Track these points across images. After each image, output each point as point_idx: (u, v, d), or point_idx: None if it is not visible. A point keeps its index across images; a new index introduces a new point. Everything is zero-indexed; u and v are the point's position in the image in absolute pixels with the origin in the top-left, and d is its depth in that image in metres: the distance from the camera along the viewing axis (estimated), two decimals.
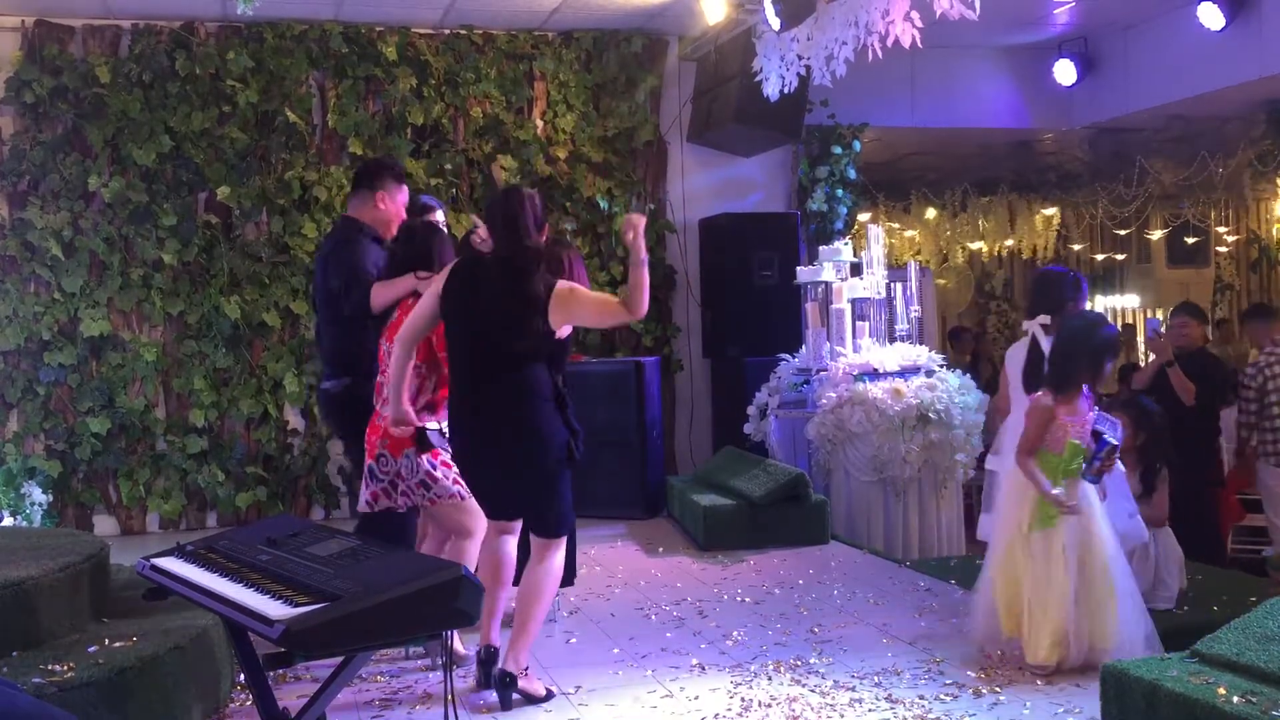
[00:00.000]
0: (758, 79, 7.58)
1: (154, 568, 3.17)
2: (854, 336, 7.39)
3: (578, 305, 4.11)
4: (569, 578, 5.26)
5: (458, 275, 4.19)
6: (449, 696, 3.12)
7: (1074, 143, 11.51)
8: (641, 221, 4.03)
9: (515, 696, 4.12)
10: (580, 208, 8.81)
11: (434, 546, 4.65)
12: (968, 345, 11.10)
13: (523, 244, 4.12)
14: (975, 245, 14.27)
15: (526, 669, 4.17)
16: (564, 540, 4.27)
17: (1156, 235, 14.69)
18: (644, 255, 4.02)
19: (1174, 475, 5.21)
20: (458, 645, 4.57)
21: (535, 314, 4.04)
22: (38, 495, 7.65)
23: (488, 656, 4.24)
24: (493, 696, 4.13)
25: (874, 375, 7.06)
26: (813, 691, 4.16)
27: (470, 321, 4.14)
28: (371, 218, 4.90)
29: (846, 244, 7.74)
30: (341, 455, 7.83)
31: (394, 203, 4.90)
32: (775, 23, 6.90)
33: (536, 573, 4.20)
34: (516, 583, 4.33)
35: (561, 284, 4.10)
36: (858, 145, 9.56)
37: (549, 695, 4.19)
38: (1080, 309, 4.99)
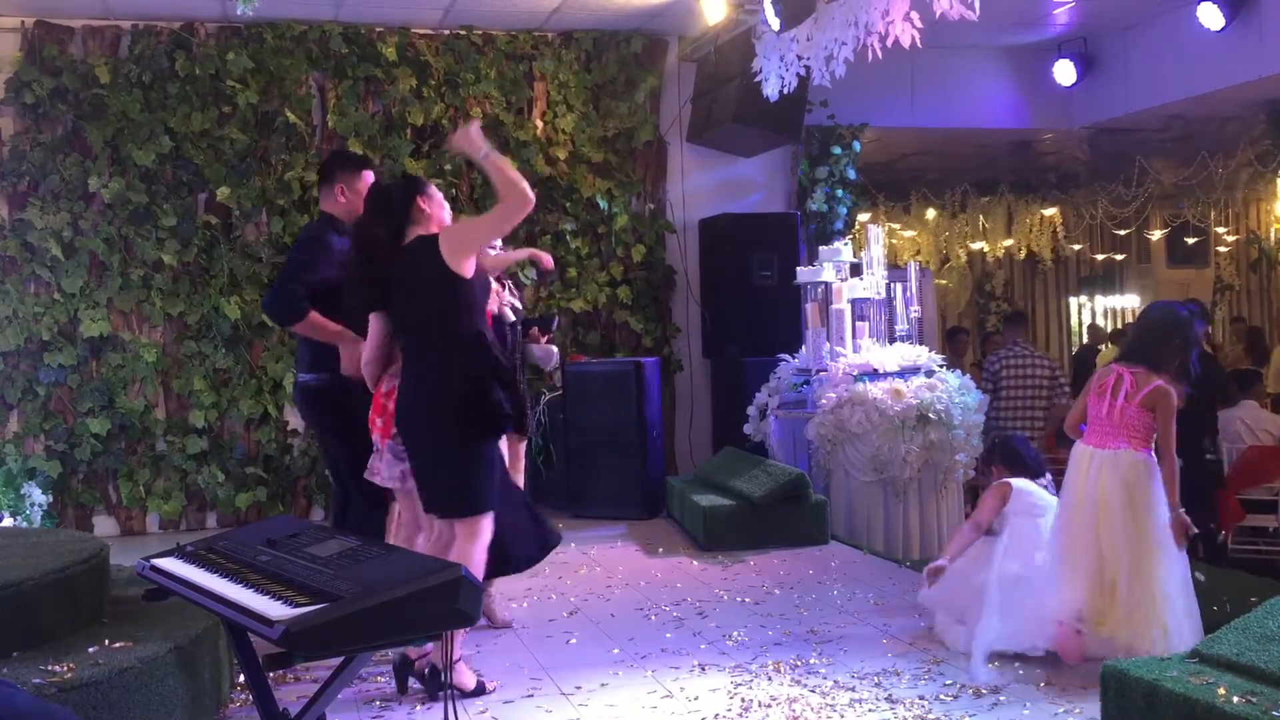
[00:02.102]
0: (757, 79, 7.59)
1: (154, 568, 3.17)
2: (854, 337, 7.39)
3: (466, 232, 4.11)
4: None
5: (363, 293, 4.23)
6: (449, 696, 3.12)
7: (1074, 143, 11.51)
8: (471, 128, 4.05)
9: (413, 683, 4.19)
10: (580, 208, 8.81)
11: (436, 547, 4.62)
12: (964, 345, 11.09)
13: (376, 235, 4.10)
14: (975, 245, 14.28)
15: (455, 661, 4.14)
16: (479, 522, 4.10)
17: (1156, 235, 14.70)
18: (484, 150, 3.99)
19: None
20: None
21: (433, 279, 3.99)
22: (38, 496, 7.65)
23: (403, 663, 4.25)
24: (475, 704, 4.16)
25: (874, 375, 7.05)
26: (813, 691, 4.15)
27: (394, 314, 4.18)
28: (338, 210, 4.89)
29: (846, 244, 7.73)
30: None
31: (354, 191, 4.87)
32: (775, 23, 6.90)
33: (455, 559, 4.09)
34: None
35: (441, 231, 4.10)
36: (857, 145, 9.56)
37: (479, 689, 4.21)
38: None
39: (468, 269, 4.02)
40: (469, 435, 4.01)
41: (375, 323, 4.28)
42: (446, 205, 4.30)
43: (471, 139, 4.02)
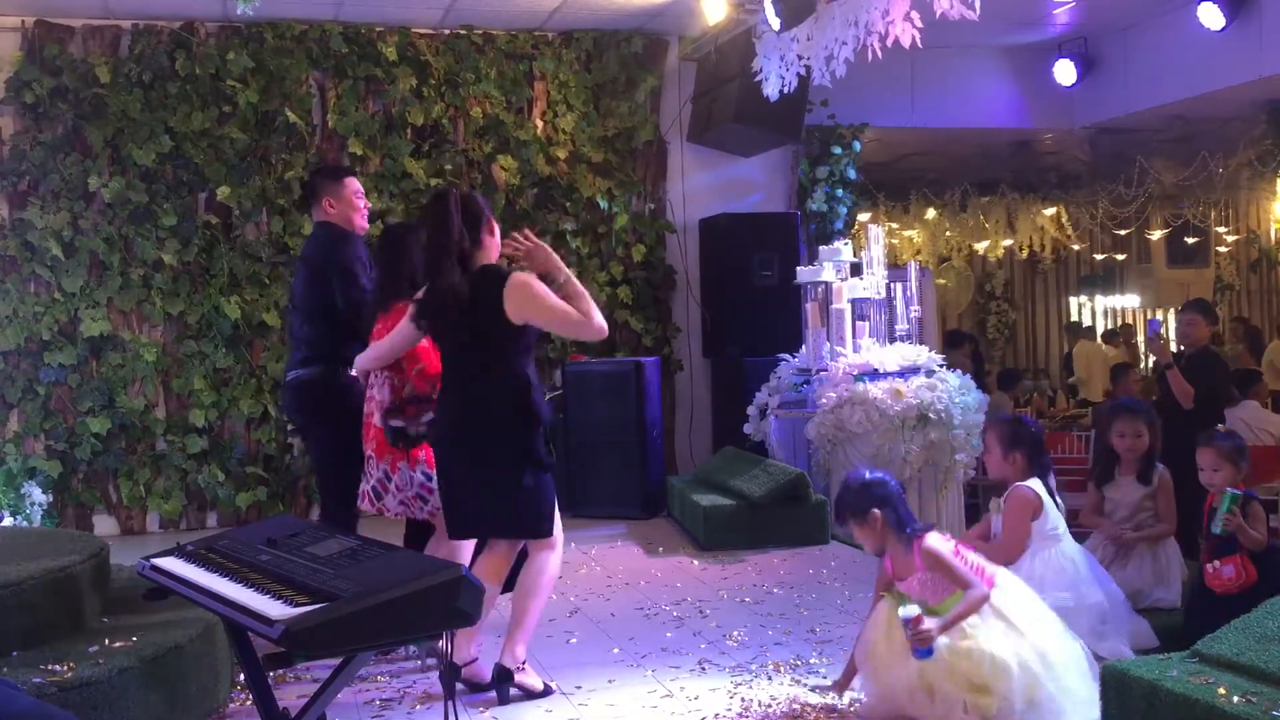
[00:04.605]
0: (758, 79, 7.59)
1: (154, 568, 3.17)
2: (854, 336, 7.38)
3: (534, 304, 4.02)
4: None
5: (427, 299, 4.18)
6: (449, 696, 3.12)
7: (1074, 143, 11.51)
8: (542, 248, 4.15)
9: (513, 691, 4.13)
10: (580, 208, 8.81)
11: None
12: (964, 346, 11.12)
13: (445, 257, 4.07)
14: (975, 245, 14.29)
15: (524, 663, 4.17)
16: (555, 539, 4.22)
17: (1156, 235, 14.71)
18: (564, 270, 4.10)
19: (1176, 476, 5.18)
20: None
21: (492, 318, 4.02)
22: (38, 495, 7.64)
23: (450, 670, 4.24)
24: (490, 694, 4.14)
25: (874, 375, 7.05)
26: (813, 691, 4.15)
27: (443, 337, 4.20)
28: (333, 219, 4.99)
29: (846, 244, 7.73)
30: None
31: (341, 200, 4.95)
32: (775, 23, 6.90)
33: (529, 571, 4.20)
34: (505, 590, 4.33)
35: (516, 276, 4.06)
36: (858, 145, 9.56)
37: (547, 690, 4.20)
38: None
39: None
40: (529, 462, 4.05)
41: (407, 327, 4.25)
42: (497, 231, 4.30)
43: (551, 260, 4.11)
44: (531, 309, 4.03)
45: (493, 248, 4.21)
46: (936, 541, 3.81)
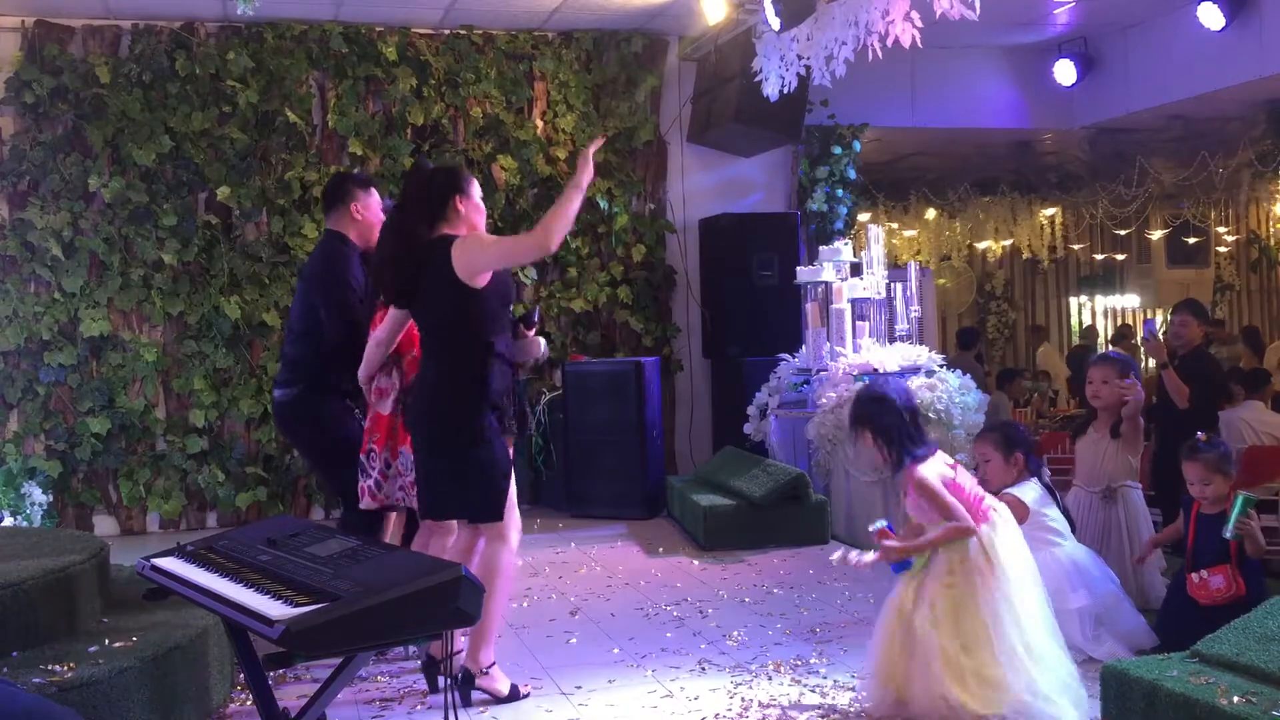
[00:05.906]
0: (758, 79, 7.59)
1: (154, 568, 3.17)
2: (854, 336, 7.38)
3: (480, 247, 3.98)
4: None
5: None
6: (449, 696, 3.12)
7: (1074, 143, 11.52)
8: (590, 156, 4.09)
9: (478, 695, 4.11)
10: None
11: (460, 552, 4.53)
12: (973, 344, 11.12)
13: (415, 226, 4.06)
14: (976, 245, 14.28)
15: (488, 667, 4.11)
16: (508, 525, 4.08)
17: (1156, 235, 14.72)
18: (585, 180, 4.02)
19: (1174, 477, 5.18)
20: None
21: (445, 285, 3.95)
22: (38, 495, 7.65)
23: (430, 663, 4.21)
24: (476, 704, 4.14)
25: (874, 375, 7.05)
26: (813, 691, 4.15)
27: (416, 315, 4.17)
28: (351, 229, 4.86)
29: (846, 244, 7.73)
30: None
31: (369, 209, 4.86)
32: (775, 23, 6.90)
33: (482, 564, 4.09)
34: None
35: (456, 242, 4.00)
36: (858, 145, 9.56)
37: (514, 693, 4.13)
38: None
39: (480, 281, 3.97)
40: (463, 442, 3.96)
41: (394, 310, 4.26)
42: (483, 209, 4.22)
43: (587, 163, 4.07)
44: (480, 254, 3.96)
45: (469, 219, 4.10)
46: (930, 470, 3.80)
